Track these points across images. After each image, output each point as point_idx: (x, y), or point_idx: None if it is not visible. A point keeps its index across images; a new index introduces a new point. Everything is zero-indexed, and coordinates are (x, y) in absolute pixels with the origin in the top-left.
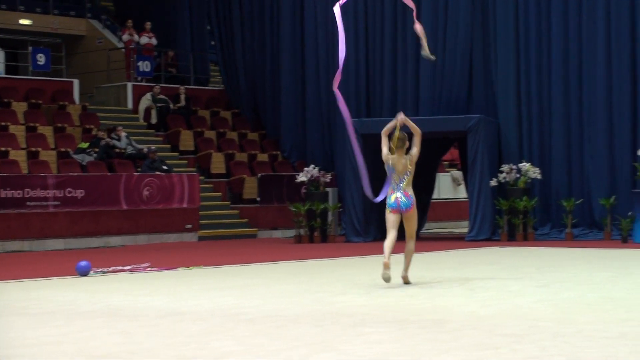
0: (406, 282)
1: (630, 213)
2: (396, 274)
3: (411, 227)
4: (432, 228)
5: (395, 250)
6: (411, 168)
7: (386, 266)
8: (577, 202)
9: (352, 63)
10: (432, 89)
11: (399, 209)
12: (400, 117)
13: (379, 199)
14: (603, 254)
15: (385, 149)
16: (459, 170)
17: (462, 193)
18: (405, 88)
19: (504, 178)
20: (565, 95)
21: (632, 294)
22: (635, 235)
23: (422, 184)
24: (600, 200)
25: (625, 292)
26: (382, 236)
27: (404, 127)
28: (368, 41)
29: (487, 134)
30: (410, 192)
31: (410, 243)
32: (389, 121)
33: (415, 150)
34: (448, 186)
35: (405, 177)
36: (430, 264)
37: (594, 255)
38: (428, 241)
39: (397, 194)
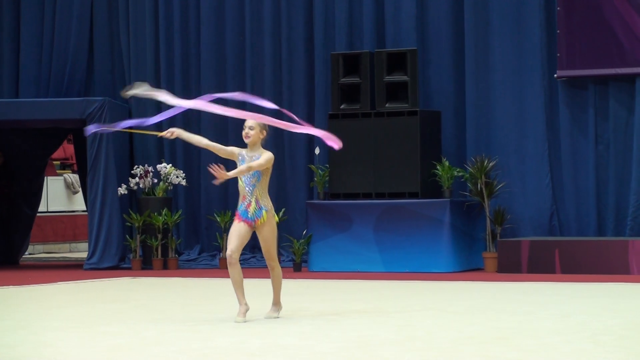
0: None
1: (305, 232)
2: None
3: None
4: (37, 252)
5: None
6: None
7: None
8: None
9: None
10: (37, 63)
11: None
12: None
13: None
14: (268, 285)
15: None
16: (74, 172)
17: (79, 204)
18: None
19: (137, 184)
20: (220, 74)
21: (303, 340)
22: (312, 261)
23: (24, 191)
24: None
25: (299, 337)
26: None
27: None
28: None
29: (114, 123)
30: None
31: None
32: None
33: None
34: (60, 195)
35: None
36: (36, 302)
37: (259, 287)
38: (33, 270)
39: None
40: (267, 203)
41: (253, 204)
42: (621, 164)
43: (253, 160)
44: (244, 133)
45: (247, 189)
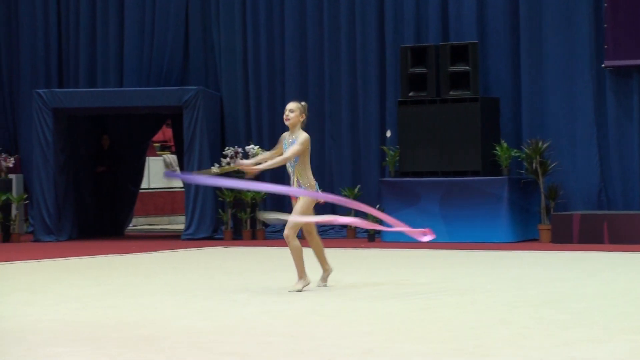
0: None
1: (378, 206)
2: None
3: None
4: (140, 224)
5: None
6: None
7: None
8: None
9: (40, 18)
10: (139, 56)
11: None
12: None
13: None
14: (346, 254)
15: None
16: (173, 153)
17: (177, 182)
18: (107, 54)
19: (228, 163)
20: (302, 65)
21: (374, 303)
22: (384, 233)
23: (129, 170)
24: (343, 190)
25: (371, 300)
26: (80, 234)
27: None
28: None
29: (207, 110)
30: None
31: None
32: (86, 93)
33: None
34: (160, 173)
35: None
36: (138, 268)
37: (335, 257)
38: (136, 240)
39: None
40: (307, 181)
41: (295, 183)
42: None
43: (292, 143)
44: (284, 116)
45: (289, 170)
